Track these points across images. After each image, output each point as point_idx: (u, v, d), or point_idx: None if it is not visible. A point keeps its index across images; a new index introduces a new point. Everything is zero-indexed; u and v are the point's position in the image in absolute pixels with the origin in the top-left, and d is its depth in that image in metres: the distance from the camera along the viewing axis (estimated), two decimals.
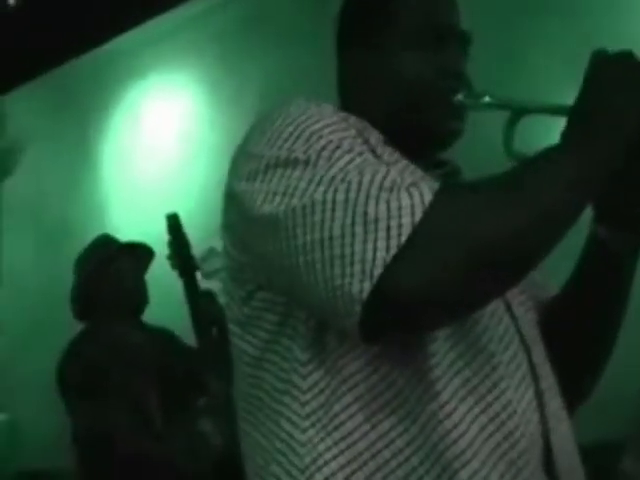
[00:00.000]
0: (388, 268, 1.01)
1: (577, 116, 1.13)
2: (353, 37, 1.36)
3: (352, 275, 1.02)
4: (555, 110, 1.23)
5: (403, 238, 1.02)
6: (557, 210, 1.06)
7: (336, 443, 1.12)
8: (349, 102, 1.35)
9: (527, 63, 3.61)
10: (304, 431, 1.14)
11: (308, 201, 1.07)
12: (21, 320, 5.32)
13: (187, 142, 4.87)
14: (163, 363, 3.16)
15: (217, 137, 4.49)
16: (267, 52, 4.49)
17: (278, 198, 1.09)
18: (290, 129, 1.14)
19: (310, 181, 1.08)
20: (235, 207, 1.17)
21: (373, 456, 1.11)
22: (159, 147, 5.00)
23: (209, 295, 3.16)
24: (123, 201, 5.10)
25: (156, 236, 3.28)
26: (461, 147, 1.36)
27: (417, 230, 1.02)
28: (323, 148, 1.11)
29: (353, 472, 1.11)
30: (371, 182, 1.06)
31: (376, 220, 1.03)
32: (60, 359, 3.15)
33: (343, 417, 1.12)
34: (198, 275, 3.13)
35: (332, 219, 1.05)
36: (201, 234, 3.27)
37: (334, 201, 1.05)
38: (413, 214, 1.03)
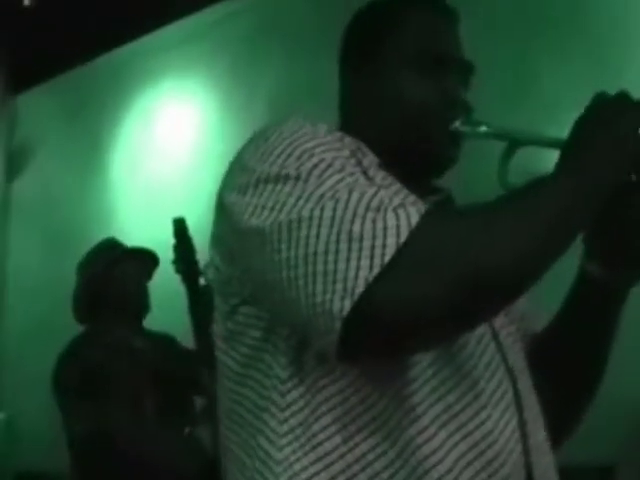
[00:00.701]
0: (370, 287, 1.01)
1: (568, 151, 1.14)
2: (355, 57, 1.37)
3: (334, 292, 1.02)
4: (550, 143, 1.24)
5: (387, 258, 1.02)
6: (543, 238, 1.06)
7: (312, 463, 1.11)
8: (349, 121, 1.37)
9: (538, 87, 3.61)
10: (281, 449, 1.13)
11: (295, 216, 1.07)
12: (26, 320, 5.33)
13: (197, 149, 4.89)
14: (162, 368, 3.17)
15: (226, 145, 4.49)
16: (277, 62, 4.50)
17: (266, 212, 1.10)
18: (283, 146, 1.14)
19: (299, 197, 1.08)
20: (225, 219, 1.18)
21: (349, 478, 1.10)
22: (169, 153, 5.02)
23: (210, 299, 3.14)
24: (132, 205, 5.10)
25: (163, 241, 3.29)
26: (460, 177, 1.38)
27: (401, 251, 1.02)
28: (315, 166, 1.11)
29: None
30: (359, 201, 1.06)
31: (361, 239, 1.03)
32: (58, 360, 3.16)
33: (321, 437, 1.12)
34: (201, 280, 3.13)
35: (317, 235, 1.05)
36: (208, 240, 3.28)
37: (321, 217, 1.06)
38: (398, 235, 1.03)
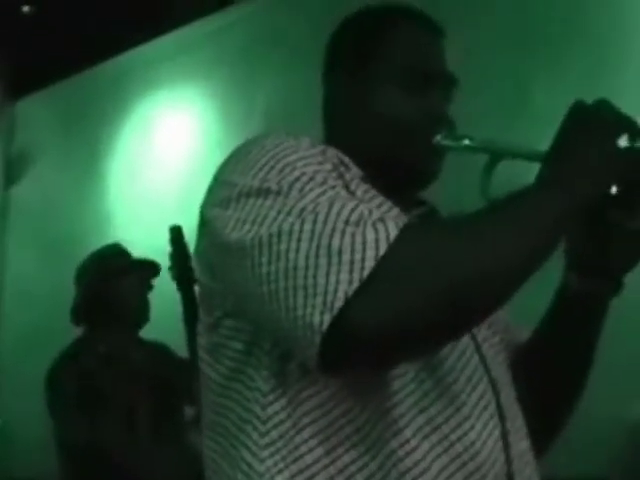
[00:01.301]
0: (349, 302, 1.00)
1: (548, 163, 1.14)
2: (340, 68, 1.37)
3: (314, 306, 1.01)
4: (531, 156, 1.24)
5: (366, 272, 1.01)
6: (521, 251, 1.06)
7: (294, 476, 1.11)
8: (333, 131, 1.37)
9: (530, 102, 3.63)
10: (262, 461, 1.13)
11: (275, 230, 1.07)
12: (23, 327, 5.33)
13: (194, 158, 4.90)
14: (157, 377, 3.17)
15: (224, 155, 4.46)
16: (275, 72, 4.52)
17: (247, 226, 1.10)
18: (265, 159, 1.14)
19: (279, 211, 1.08)
20: (206, 233, 1.18)
21: None
22: (167, 162, 5.04)
23: None
24: (129, 213, 5.12)
25: (160, 249, 3.30)
26: (445, 190, 1.39)
27: (380, 265, 1.01)
28: (296, 179, 1.11)
29: None
30: (338, 214, 1.06)
31: (339, 252, 1.02)
32: (52, 366, 3.15)
33: (303, 449, 1.12)
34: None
35: (297, 249, 1.04)
36: None
37: (300, 231, 1.05)
38: (377, 248, 1.02)
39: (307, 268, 1.03)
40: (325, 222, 1.05)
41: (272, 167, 1.13)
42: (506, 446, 1.20)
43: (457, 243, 1.05)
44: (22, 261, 5.58)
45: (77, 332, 3.35)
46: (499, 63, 3.65)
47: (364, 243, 1.03)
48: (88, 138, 5.37)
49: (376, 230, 1.04)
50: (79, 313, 3.33)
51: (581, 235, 1.26)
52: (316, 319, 1.01)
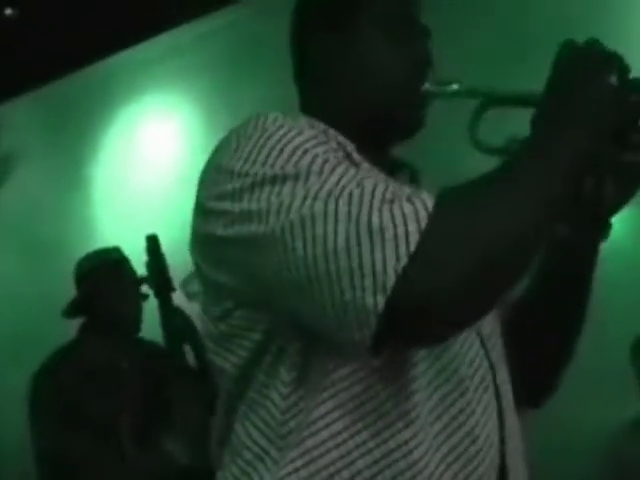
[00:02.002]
0: (401, 278, 1.00)
1: (546, 106, 1.14)
2: (315, 28, 1.35)
3: (363, 288, 1.00)
4: (524, 99, 1.23)
5: (412, 246, 1.00)
6: (551, 199, 1.06)
7: (294, 460, 1.14)
8: (310, 97, 1.36)
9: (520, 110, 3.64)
10: (280, 450, 1.15)
11: (307, 214, 1.05)
12: (7, 331, 5.31)
13: (180, 164, 4.90)
14: (146, 383, 3.17)
15: None
16: (261, 77, 4.51)
17: (272, 217, 1.07)
18: (271, 144, 1.12)
19: (305, 196, 1.06)
20: (214, 226, 1.15)
21: (331, 475, 1.13)
22: (152, 167, 5.03)
23: (181, 314, 3.20)
24: (113, 219, 5.11)
25: (144, 256, 3.31)
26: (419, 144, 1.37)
27: (425, 236, 1.01)
28: (311, 162, 1.09)
29: None
30: (372, 194, 1.05)
31: (381, 230, 1.01)
32: (35, 374, 3.16)
33: (310, 443, 1.13)
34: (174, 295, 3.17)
35: (335, 232, 1.03)
36: (189, 255, 3.30)
37: (336, 213, 1.03)
38: (418, 221, 1.02)
39: (349, 249, 1.01)
40: (360, 202, 1.04)
41: (281, 151, 1.11)
42: (501, 426, 1.23)
43: (494, 203, 1.04)
44: (5, 264, 5.56)
45: (62, 335, 3.35)
46: (498, 64, 3.65)
47: (404, 217, 1.02)
48: (73, 142, 5.36)
49: (412, 203, 1.03)
50: (75, 310, 3.33)
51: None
52: (369, 301, 1.00)
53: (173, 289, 3.19)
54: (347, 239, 1.02)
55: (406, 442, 1.12)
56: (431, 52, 1.32)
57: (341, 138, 1.20)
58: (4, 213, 5.71)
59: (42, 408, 3.13)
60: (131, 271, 3.39)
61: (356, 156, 1.19)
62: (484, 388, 1.21)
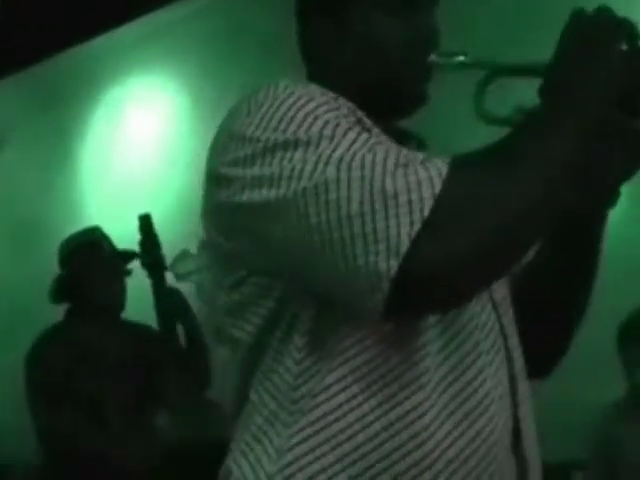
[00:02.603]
0: (414, 243, 1.00)
1: (555, 73, 1.13)
2: (317, 3, 1.33)
3: (377, 253, 1.01)
4: (531, 69, 1.23)
5: (426, 211, 1.00)
6: (563, 166, 1.06)
7: (313, 423, 1.14)
8: (316, 70, 1.34)
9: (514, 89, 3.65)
10: (291, 414, 1.15)
11: (320, 180, 1.05)
12: None
13: (167, 145, 4.92)
14: (134, 362, 3.22)
15: (196, 142, 4.52)
16: (249, 57, 4.53)
17: (284, 182, 1.07)
18: (282, 110, 1.12)
19: (317, 162, 1.06)
20: (226, 193, 1.15)
21: (349, 438, 1.13)
22: (138, 149, 5.04)
23: (175, 293, 3.25)
24: (100, 200, 5.14)
25: (132, 236, 3.33)
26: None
27: (439, 202, 1.01)
28: (323, 128, 1.09)
29: (324, 454, 1.13)
30: (385, 159, 1.05)
31: (395, 195, 1.01)
32: (27, 355, 3.21)
33: (326, 399, 1.14)
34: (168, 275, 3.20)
35: (348, 197, 1.03)
36: (176, 236, 3.32)
37: (349, 179, 1.03)
38: (433, 186, 1.01)
39: (363, 214, 1.02)
40: (373, 167, 1.04)
41: (292, 118, 1.11)
42: (514, 391, 1.24)
43: (509, 170, 1.04)
44: None
45: (50, 317, 3.38)
46: (499, 48, 3.64)
47: (419, 182, 1.02)
48: (59, 123, 5.36)
49: (427, 168, 1.03)
50: (59, 292, 3.37)
51: None
52: (382, 265, 1.01)
53: (166, 268, 3.23)
54: (361, 204, 1.02)
55: (420, 403, 1.13)
56: (437, 23, 1.31)
57: (351, 104, 1.19)
58: None
59: (34, 388, 3.19)
60: (111, 249, 3.42)
61: (367, 121, 1.19)
62: (495, 352, 1.22)
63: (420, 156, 1.07)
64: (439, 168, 1.04)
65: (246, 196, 1.12)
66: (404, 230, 1.01)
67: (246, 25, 4.62)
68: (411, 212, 1.01)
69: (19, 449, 3.61)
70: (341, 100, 1.18)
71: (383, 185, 1.02)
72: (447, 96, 1.43)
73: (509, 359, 1.25)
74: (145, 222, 3.31)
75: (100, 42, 5.16)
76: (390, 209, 1.01)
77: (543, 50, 1.18)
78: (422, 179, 1.02)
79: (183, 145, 4.79)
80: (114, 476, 3.04)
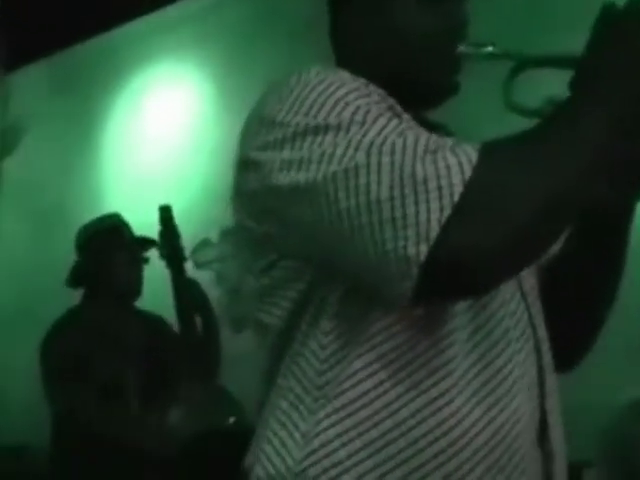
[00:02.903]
0: (444, 229, 1.00)
1: (586, 66, 1.13)
2: None
3: (406, 238, 1.01)
4: (561, 61, 1.24)
5: (456, 197, 1.01)
6: (596, 156, 1.06)
7: (338, 410, 1.15)
8: (346, 58, 1.34)
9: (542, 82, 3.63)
10: (316, 400, 1.16)
11: (350, 165, 1.06)
12: (14, 301, 5.36)
13: (190, 134, 4.91)
14: (149, 349, 3.24)
15: (220, 131, 4.53)
16: (275, 49, 4.49)
17: (314, 165, 1.08)
18: (313, 96, 1.13)
19: (347, 147, 1.07)
20: (256, 177, 1.16)
21: (375, 425, 1.14)
22: (161, 137, 5.04)
23: (194, 285, 3.27)
24: (122, 189, 5.11)
25: (152, 226, 3.36)
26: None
27: (469, 188, 1.01)
28: (353, 113, 1.10)
29: (351, 440, 1.14)
30: (415, 144, 1.05)
31: (425, 180, 1.02)
32: (43, 340, 3.24)
33: (351, 385, 1.15)
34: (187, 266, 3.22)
35: (378, 182, 1.03)
36: (198, 226, 3.34)
37: (379, 164, 1.04)
38: (463, 172, 1.02)
39: (392, 199, 1.02)
40: (404, 153, 1.04)
41: (323, 103, 1.12)
42: (541, 382, 1.25)
43: (539, 156, 1.04)
44: (14, 233, 5.60)
45: (69, 302, 3.41)
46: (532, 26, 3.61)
47: (448, 168, 1.02)
48: (81, 112, 5.35)
49: (456, 154, 1.03)
50: (76, 278, 3.41)
51: None
52: (411, 251, 1.01)
53: (185, 259, 3.25)
54: (391, 189, 1.03)
55: (447, 390, 1.14)
56: (466, 14, 1.32)
57: (382, 91, 1.20)
58: (12, 181, 5.74)
59: (50, 372, 3.21)
60: (130, 235, 3.45)
61: (398, 108, 1.19)
62: (525, 340, 1.23)
63: (450, 142, 1.08)
64: (469, 154, 1.04)
65: (276, 179, 1.13)
66: (434, 216, 1.01)
67: (274, 12, 4.59)
68: (441, 198, 1.01)
69: (35, 432, 3.64)
70: (372, 87, 1.19)
71: (413, 170, 1.03)
72: (475, 87, 1.42)
73: (538, 349, 1.26)
74: (165, 213, 3.34)
75: (123, 30, 5.15)
76: (420, 194, 1.02)
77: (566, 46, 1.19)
78: (451, 165, 1.03)
79: (206, 134, 4.78)
80: (130, 460, 3.06)
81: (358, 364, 1.15)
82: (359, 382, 1.15)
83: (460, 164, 1.03)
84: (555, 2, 3.61)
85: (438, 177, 1.02)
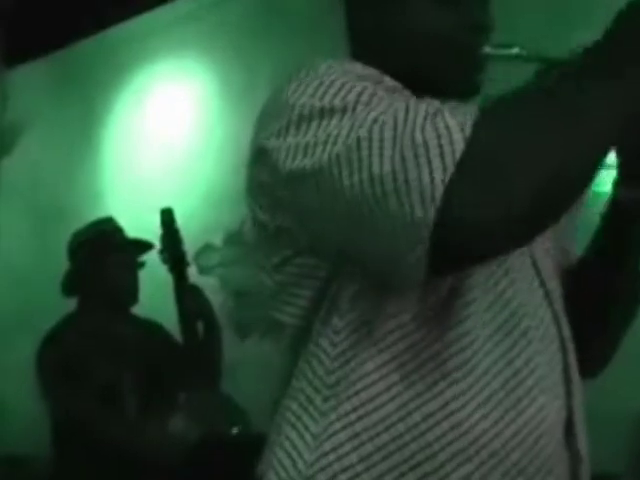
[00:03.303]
0: (449, 187, 0.98)
1: (601, 48, 1.06)
2: None
3: (412, 204, 0.98)
4: None
5: (458, 154, 0.98)
6: (606, 118, 1.01)
7: (349, 413, 1.13)
8: (360, 54, 1.32)
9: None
10: (326, 400, 1.15)
11: (353, 143, 1.04)
12: (12, 302, 5.35)
13: (194, 134, 4.89)
14: (146, 355, 3.22)
15: (225, 130, 4.51)
16: (279, 43, 4.46)
17: (319, 148, 1.07)
18: (319, 80, 1.13)
19: (351, 127, 1.06)
20: (266, 166, 1.16)
21: (387, 428, 1.12)
22: (164, 136, 5.01)
23: (196, 290, 3.23)
24: (122, 191, 5.11)
25: (154, 229, 3.32)
26: None
27: (471, 144, 0.99)
28: (359, 95, 1.09)
29: (362, 443, 1.13)
30: (416, 114, 1.03)
31: (425, 143, 0.99)
32: (40, 344, 3.22)
33: (364, 386, 1.13)
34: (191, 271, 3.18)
35: (380, 155, 1.01)
36: (201, 229, 3.31)
37: (381, 139, 1.02)
38: (463, 130, 1.00)
39: (394, 171, 1.00)
40: (405, 124, 1.02)
41: (329, 86, 1.11)
42: (568, 380, 1.24)
43: (541, 110, 1.01)
44: (12, 234, 5.59)
45: (68, 306, 3.38)
46: (527, 43, 3.60)
47: (448, 128, 1.00)
48: (82, 110, 5.34)
49: (455, 116, 1.01)
50: (70, 285, 3.39)
51: (632, 146, 1.26)
52: (418, 214, 0.98)
53: (188, 265, 3.22)
54: (392, 160, 1.01)
55: (463, 393, 1.13)
56: (490, 14, 1.29)
57: (397, 84, 1.18)
58: (11, 181, 5.72)
59: (47, 376, 3.20)
60: (123, 239, 3.43)
61: (407, 93, 1.17)
62: (550, 340, 1.22)
63: (453, 104, 1.06)
64: (467, 114, 1.02)
65: (283, 167, 1.12)
66: (437, 176, 0.98)
67: (278, 9, 4.58)
68: (442, 156, 0.99)
69: (34, 441, 3.61)
70: (386, 77, 1.18)
71: (413, 137, 1.01)
72: (498, 87, 1.40)
73: (563, 348, 1.25)
74: (167, 216, 3.30)
75: (124, 28, 5.13)
76: (420, 158, 0.99)
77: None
78: (451, 125, 1.00)
79: (211, 133, 4.76)
80: (131, 468, 3.02)
81: (370, 365, 1.14)
82: (371, 384, 1.13)
83: (460, 123, 1.01)
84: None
85: (438, 137, 1.00)
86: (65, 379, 3.13)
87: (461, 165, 0.98)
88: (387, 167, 1.01)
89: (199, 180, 4.69)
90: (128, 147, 5.19)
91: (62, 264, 3.45)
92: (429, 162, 0.99)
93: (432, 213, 0.98)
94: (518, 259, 1.22)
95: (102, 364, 3.15)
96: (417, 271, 1.02)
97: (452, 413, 1.12)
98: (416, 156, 0.99)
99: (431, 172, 0.98)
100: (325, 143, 1.07)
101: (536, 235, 1.10)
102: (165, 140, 5.00)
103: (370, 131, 1.03)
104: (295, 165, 1.10)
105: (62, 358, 3.15)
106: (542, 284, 1.25)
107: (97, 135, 5.32)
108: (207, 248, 2.98)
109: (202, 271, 3.04)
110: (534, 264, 1.26)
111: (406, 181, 0.99)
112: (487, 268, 1.17)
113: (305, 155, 1.08)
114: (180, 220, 3.34)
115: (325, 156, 1.06)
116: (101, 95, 5.28)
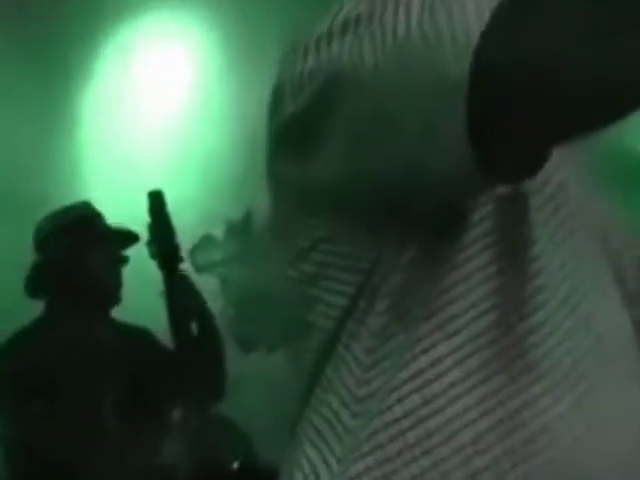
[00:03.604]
0: (485, 36, 0.95)
1: None
2: None
3: (444, 63, 0.97)
4: None
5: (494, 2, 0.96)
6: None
7: (377, 431, 1.11)
8: None
9: None
10: (354, 416, 1.13)
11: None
12: None
13: (188, 99, 4.87)
14: (131, 367, 3.20)
15: (227, 96, 4.49)
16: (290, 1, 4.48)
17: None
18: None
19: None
20: (286, 101, 1.14)
21: (427, 452, 1.09)
22: (152, 105, 4.99)
23: (186, 281, 3.21)
24: (102, 170, 5.10)
25: (140, 216, 3.30)
26: None
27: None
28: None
29: (395, 472, 1.10)
30: None
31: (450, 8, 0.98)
32: (6, 346, 3.18)
33: (398, 412, 1.10)
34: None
35: (406, 21, 1.00)
36: (198, 218, 3.28)
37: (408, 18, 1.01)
38: None
39: (421, 27, 0.99)
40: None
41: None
42: None
43: None
44: None
45: (34, 309, 3.36)
46: None
47: None
48: (54, 74, 5.32)
49: None
50: (37, 285, 3.35)
51: None
52: (453, 70, 0.96)
53: (181, 260, 3.20)
54: (419, 23, 1.00)
55: (538, 398, 1.09)
56: None
57: None
58: None
59: (3, 392, 3.16)
60: (104, 228, 3.40)
61: None
62: (630, 351, 1.20)
63: None
64: None
65: (302, 93, 1.11)
66: (472, 25, 0.97)
67: None
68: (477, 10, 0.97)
69: None
70: None
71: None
72: None
73: None
74: (156, 200, 3.28)
75: None
76: (453, 9, 0.98)
77: None
78: None
79: (210, 99, 4.75)
80: None
81: (404, 373, 1.11)
82: (409, 394, 1.11)
83: None
84: None
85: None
86: (29, 398, 3.09)
87: (497, 14, 0.96)
88: (415, 28, 0.99)
89: (195, 155, 4.68)
90: (110, 117, 5.19)
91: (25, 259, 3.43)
92: (463, 10, 0.97)
93: (467, 64, 0.95)
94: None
95: (76, 378, 3.12)
96: (465, 164, 0.98)
97: (524, 424, 1.09)
98: (447, 7, 0.98)
99: (465, 24, 0.97)
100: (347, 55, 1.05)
101: (597, 105, 1.01)
102: (155, 109, 4.97)
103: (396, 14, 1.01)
104: (315, 86, 1.08)
105: (25, 373, 3.12)
106: (621, 280, 1.24)
107: (73, 104, 5.29)
108: (206, 241, 2.93)
109: (199, 269, 2.99)
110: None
111: (437, 35, 0.98)
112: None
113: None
114: (172, 205, 3.32)
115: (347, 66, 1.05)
116: (76, 56, 5.26)
